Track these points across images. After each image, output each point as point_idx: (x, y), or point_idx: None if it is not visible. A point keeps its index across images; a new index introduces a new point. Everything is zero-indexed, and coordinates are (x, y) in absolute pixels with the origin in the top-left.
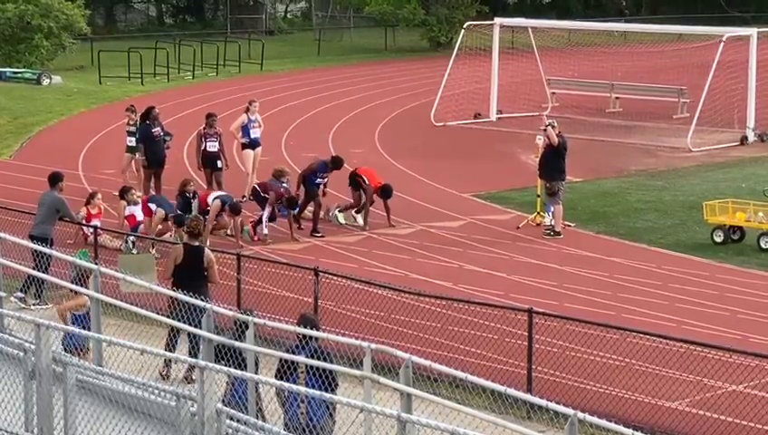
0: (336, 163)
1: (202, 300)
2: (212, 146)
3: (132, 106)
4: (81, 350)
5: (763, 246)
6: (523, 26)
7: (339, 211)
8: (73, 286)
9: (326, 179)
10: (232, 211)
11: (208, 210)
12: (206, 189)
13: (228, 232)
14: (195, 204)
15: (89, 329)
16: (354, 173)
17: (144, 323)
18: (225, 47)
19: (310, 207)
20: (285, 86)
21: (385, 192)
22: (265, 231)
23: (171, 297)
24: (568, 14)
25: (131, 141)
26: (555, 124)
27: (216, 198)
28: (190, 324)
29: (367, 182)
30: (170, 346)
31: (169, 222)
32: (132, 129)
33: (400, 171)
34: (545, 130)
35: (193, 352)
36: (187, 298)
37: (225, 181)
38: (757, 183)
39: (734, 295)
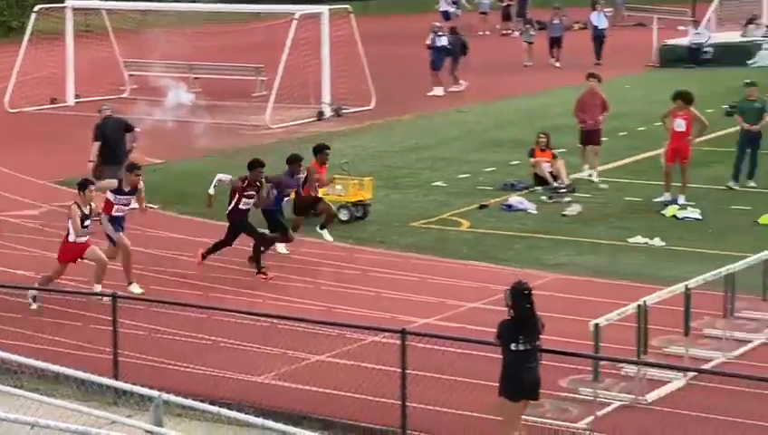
0: (293, 160)
1: None
2: None
3: None
4: None
5: (342, 217)
6: (96, 8)
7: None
8: None
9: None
10: None
11: None
12: None
13: None
14: None
15: None
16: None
17: None
18: None
19: None
20: None
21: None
22: None
23: None
24: None
25: None
26: (105, 109)
27: None
28: None
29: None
30: None
31: None
32: None
33: None
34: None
35: None
36: None
37: None
38: (334, 157)
39: (317, 268)
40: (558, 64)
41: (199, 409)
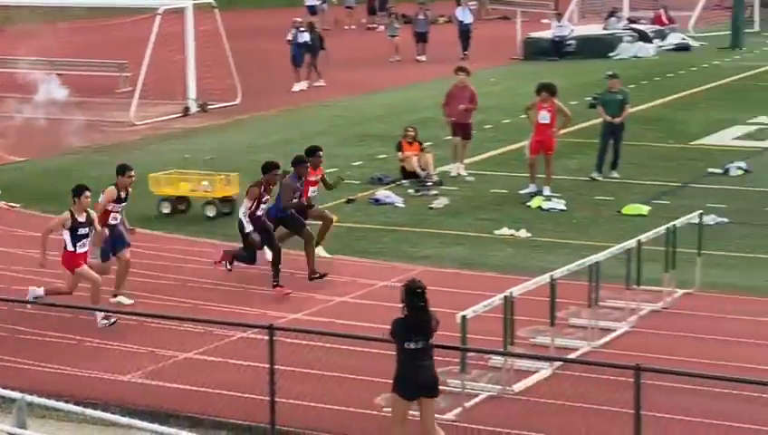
0: (299, 161)
1: None
2: None
3: None
4: None
5: (209, 214)
6: None
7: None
8: None
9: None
10: None
11: None
12: None
13: None
14: None
15: None
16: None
17: None
18: None
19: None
20: None
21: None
22: None
23: None
24: None
25: None
26: None
27: None
28: None
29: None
30: None
31: None
32: None
33: None
34: None
35: None
36: None
37: None
38: (200, 152)
39: (185, 265)
40: (424, 59)
41: (64, 410)
